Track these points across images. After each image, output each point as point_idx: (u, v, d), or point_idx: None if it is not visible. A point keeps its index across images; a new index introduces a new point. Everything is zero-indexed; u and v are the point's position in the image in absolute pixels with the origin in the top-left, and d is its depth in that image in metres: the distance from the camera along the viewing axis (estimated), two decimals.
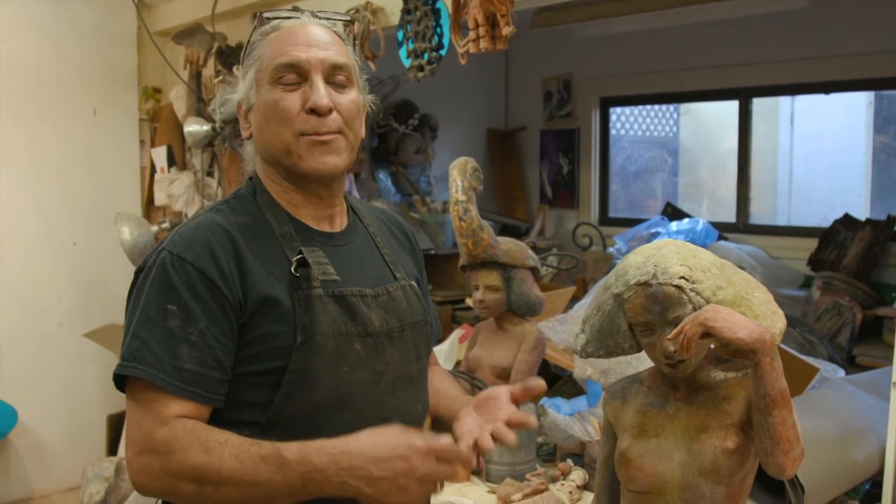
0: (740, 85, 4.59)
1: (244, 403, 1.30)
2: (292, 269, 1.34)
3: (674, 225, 4.64)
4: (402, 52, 3.08)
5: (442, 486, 1.21)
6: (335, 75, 1.40)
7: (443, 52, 2.93)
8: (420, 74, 2.99)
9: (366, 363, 1.37)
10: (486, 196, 5.49)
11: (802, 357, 2.62)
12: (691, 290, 1.44)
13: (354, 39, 1.61)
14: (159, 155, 4.50)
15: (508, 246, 2.61)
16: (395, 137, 5.02)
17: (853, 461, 2.19)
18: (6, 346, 4.17)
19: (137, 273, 1.35)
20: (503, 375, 2.54)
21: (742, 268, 1.84)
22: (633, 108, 5.53)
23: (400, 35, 3.08)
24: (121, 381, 1.29)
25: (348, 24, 1.52)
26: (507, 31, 2.62)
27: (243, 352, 1.31)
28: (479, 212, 2.59)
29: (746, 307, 1.47)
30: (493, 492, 2.27)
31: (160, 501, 1.43)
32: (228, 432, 1.23)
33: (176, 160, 4.45)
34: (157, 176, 4.52)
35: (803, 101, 5.09)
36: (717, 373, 1.53)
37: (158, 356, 1.24)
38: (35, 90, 4.25)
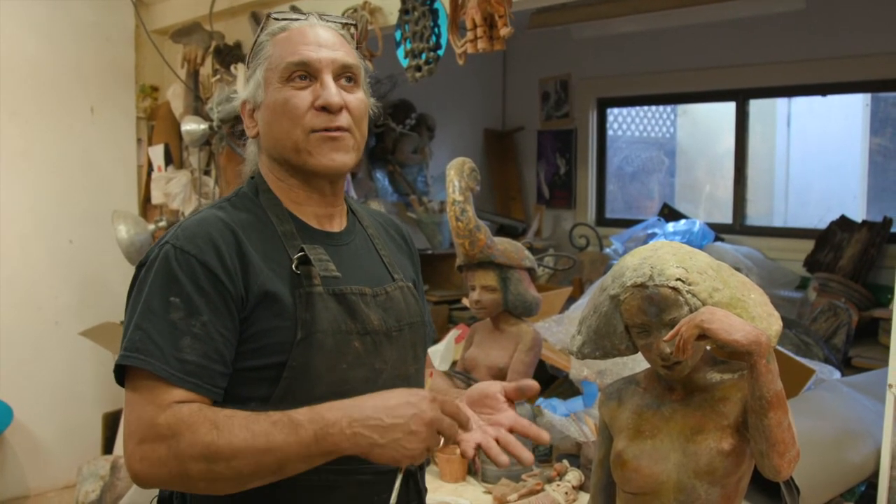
0: (737, 86, 4.60)
1: (243, 398, 1.31)
2: (293, 266, 1.35)
3: (670, 226, 4.65)
4: (400, 52, 3.08)
5: (442, 444, 1.22)
6: (344, 75, 1.42)
7: (440, 52, 2.93)
8: (418, 74, 3.00)
9: (364, 361, 1.38)
10: (483, 196, 5.50)
11: (798, 359, 2.63)
12: (688, 291, 1.45)
13: (357, 44, 1.62)
14: (156, 153, 4.50)
15: (505, 246, 2.61)
16: (392, 137, 5.02)
17: (849, 463, 2.19)
18: (2, 344, 4.17)
19: (139, 267, 1.35)
20: (499, 376, 2.54)
21: (738, 269, 1.84)
22: (630, 108, 5.53)
23: (398, 35, 3.08)
24: (120, 375, 1.29)
25: (353, 28, 1.53)
26: (504, 31, 2.62)
27: (243, 346, 1.32)
28: (476, 212, 2.59)
29: (742, 309, 1.47)
30: (489, 492, 2.27)
31: (157, 498, 1.44)
32: (233, 409, 1.24)
33: (173, 159, 4.45)
34: (154, 174, 4.52)
35: (800, 102, 5.10)
36: (712, 374, 1.53)
37: (161, 347, 1.25)
38: (32, 88, 4.25)
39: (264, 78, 1.42)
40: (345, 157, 1.41)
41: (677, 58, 4.79)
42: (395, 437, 1.17)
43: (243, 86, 1.50)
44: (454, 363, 2.84)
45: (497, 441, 1.27)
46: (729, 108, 4.73)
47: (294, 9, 3.14)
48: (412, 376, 1.49)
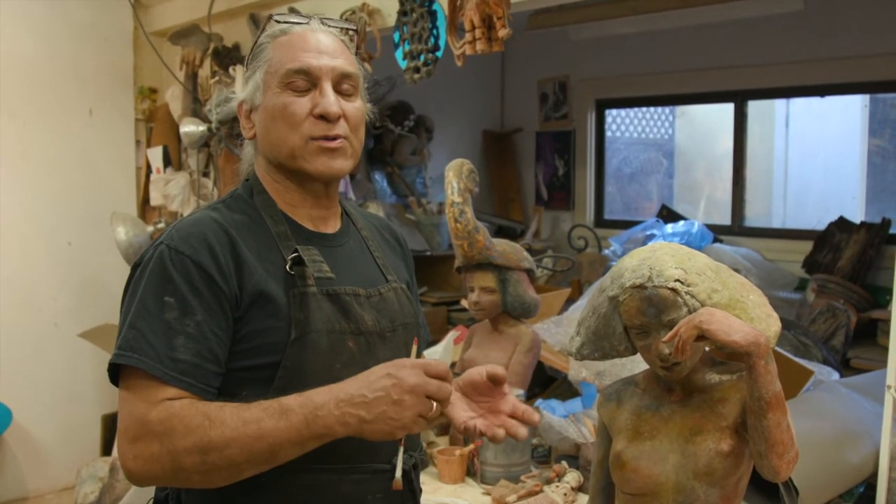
0: (736, 87, 4.61)
1: (237, 398, 1.31)
2: (287, 266, 1.36)
3: (669, 227, 4.65)
4: (399, 54, 3.08)
5: (435, 408, 1.23)
6: (343, 84, 1.43)
7: (439, 53, 2.94)
8: (416, 76, 3.00)
9: (358, 361, 1.38)
10: (482, 198, 5.49)
11: (797, 360, 2.63)
12: (686, 292, 1.45)
13: (357, 48, 1.63)
14: (155, 155, 4.50)
15: (504, 248, 2.61)
16: (391, 139, 5.02)
17: (847, 464, 2.19)
18: (1, 346, 4.17)
19: (134, 268, 1.36)
20: None
21: (737, 270, 1.84)
22: (628, 110, 5.53)
23: (396, 37, 3.08)
24: (114, 373, 1.29)
25: (353, 32, 1.53)
26: (503, 32, 2.63)
27: (237, 346, 1.32)
28: (475, 213, 2.59)
29: (741, 310, 1.47)
30: (487, 493, 2.27)
31: (153, 499, 1.44)
32: (224, 401, 1.25)
33: (172, 160, 4.45)
34: (152, 176, 4.52)
35: (799, 103, 5.10)
36: (711, 375, 1.53)
37: (155, 347, 1.25)
38: (31, 90, 4.25)
39: (263, 81, 1.43)
40: (343, 163, 1.43)
41: (676, 59, 4.79)
42: (380, 410, 1.19)
43: (241, 86, 1.50)
44: (453, 364, 2.84)
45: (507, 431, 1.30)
46: (727, 109, 4.73)
47: (294, 10, 3.14)
48: None
